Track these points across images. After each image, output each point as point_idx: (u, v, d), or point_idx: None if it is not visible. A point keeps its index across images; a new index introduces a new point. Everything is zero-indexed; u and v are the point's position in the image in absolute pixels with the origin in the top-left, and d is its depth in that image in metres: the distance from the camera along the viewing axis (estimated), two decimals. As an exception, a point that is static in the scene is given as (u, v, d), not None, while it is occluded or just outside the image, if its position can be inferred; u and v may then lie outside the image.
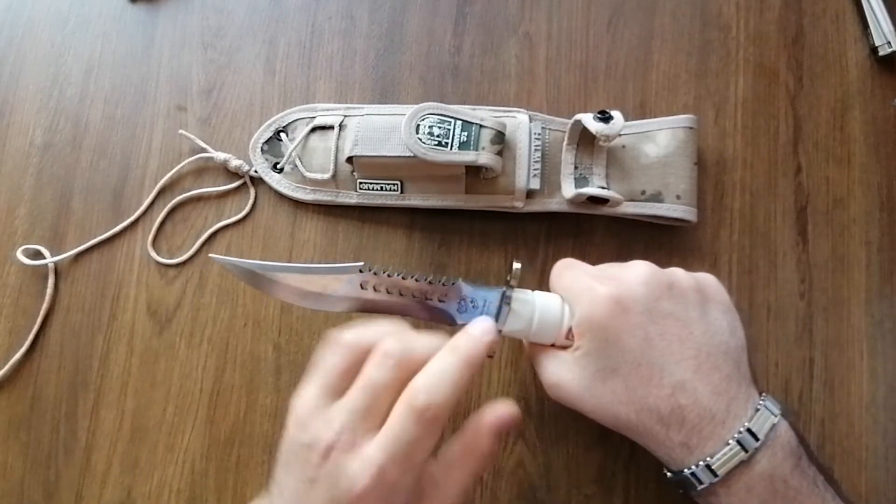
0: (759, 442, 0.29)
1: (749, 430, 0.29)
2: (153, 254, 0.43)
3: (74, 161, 0.45)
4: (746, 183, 0.43)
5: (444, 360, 0.29)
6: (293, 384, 0.40)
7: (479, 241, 0.43)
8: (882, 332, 0.41)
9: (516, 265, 0.34)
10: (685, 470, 0.30)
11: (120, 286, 0.43)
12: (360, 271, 0.35)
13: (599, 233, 0.42)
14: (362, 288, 0.35)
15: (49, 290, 0.43)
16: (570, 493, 0.39)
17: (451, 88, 0.45)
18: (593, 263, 0.42)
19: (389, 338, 0.29)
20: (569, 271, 0.35)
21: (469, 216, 0.42)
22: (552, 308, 0.34)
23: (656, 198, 0.40)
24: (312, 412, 0.29)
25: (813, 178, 0.43)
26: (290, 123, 0.44)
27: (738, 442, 0.29)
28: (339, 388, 0.29)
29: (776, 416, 0.30)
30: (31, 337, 0.42)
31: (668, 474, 0.32)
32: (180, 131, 0.45)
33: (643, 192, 0.40)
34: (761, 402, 0.31)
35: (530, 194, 0.41)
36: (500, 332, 0.33)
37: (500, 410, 0.30)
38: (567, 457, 0.40)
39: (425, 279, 0.35)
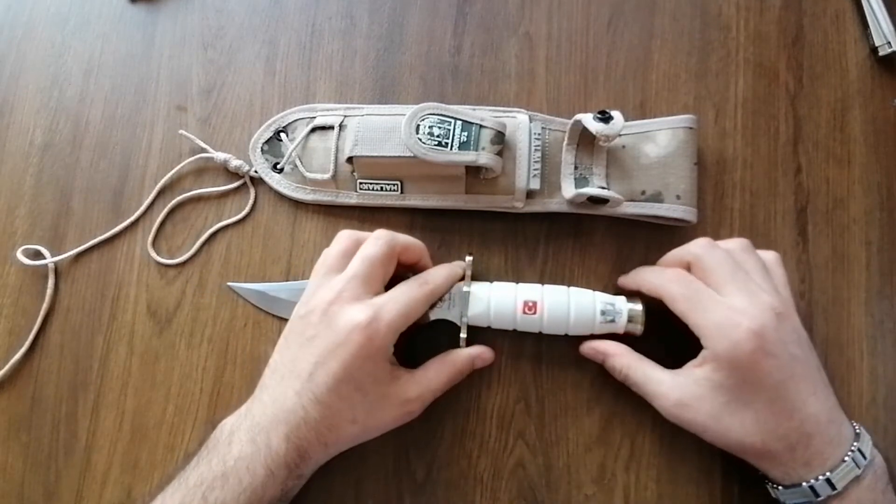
0: (867, 460, 0.33)
1: (859, 450, 0.33)
2: (153, 254, 0.43)
3: (74, 161, 0.45)
4: (746, 183, 0.43)
5: (439, 267, 0.39)
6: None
7: (479, 241, 0.43)
8: (882, 332, 0.41)
9: (468, 257, 0.39)
10: (803, 483, 0.33)
11: (120, 286, 0.43)
12: None
13: (599, 233, 0.42)
14: None
15: (49, 290, 0.43)
16: (570, 493, 0.39)
17: (451, 88, 0.45)
18: (593, 265, 0.42)
19: (379, 229, 0.38)
20: (704, 296, 0.34)
21: (469, 216, 0.42)
22: (506, 293, 0.38)
23: (656, 198, 0.40)
24: (315, 290, 0.36)
25: (813, 178, 0.43)
26: (290, 123, 0.44)
27: (853, 460, 0.33)
28: (339, 267, 0.37)
29: (870, 438, 0.35)
30: (31, 337, 0.42)
31: (778, 488, 0.35)
32: (180, 131, 0.45)
33: (643, 193, 0.40)
34: (856, 425, 0.35)
35: (530, 194, 0.41)
36: (465, 319, 0.38)
37: (479, 347, 0.39)
38: (567, 457, 0.40)
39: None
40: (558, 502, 0.39)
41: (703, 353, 0.34)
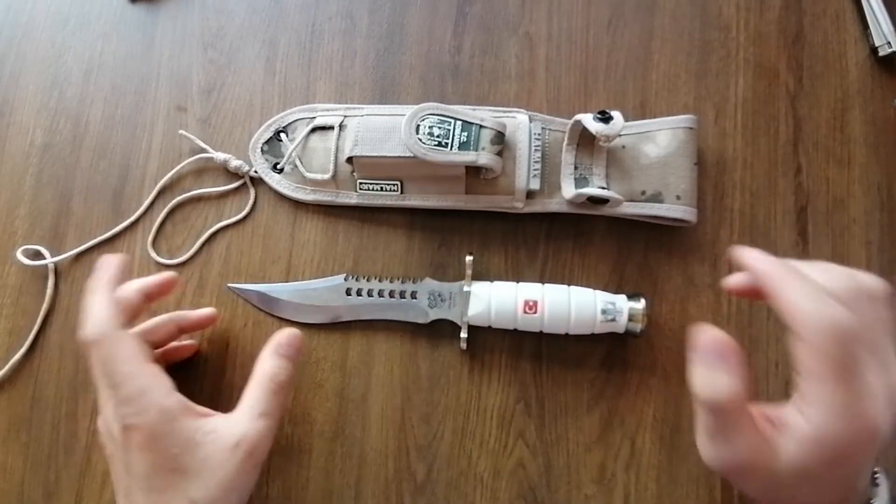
0: None
1: None
2: (153, 254, 0.43)
3: (74, 161, 0.45)
4: (746, 183, 0.43)
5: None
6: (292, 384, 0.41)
7: (479, 241, 0.43)
8: (882, 333, 0.41)
9: (469, 257, 0.39)
10: None
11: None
12: (345, 279, 0.41)
13: (599, 233, 0.42)
14: (347, 294, 0.41)
15: (49, 291, 0.43)
16: (570, 493, 0.39)
17: (451, 88, 0.45)
18: (593, 265, 0.42)
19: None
20: (852, 363, 0.26)
21: (469, 216, 0.42)
22: (506, 293, 0.39)
23: (656, 198, 0.40)
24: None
25: (813, 178, 0.43)
26: (290, 124, 0.44)
27: None
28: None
29: (888, 485, 0.30)
30: (31, 337, 0.42)
31: None
32: (180, 131, 0.45)
33: (643, 193, 0.40)
34: (877, 473, 0.30)
35: (530, 194, 0.41)
36: (466, 319, 0.39)
37: (278, 336, 0.35)
38: (567, 457, 0.40)
39: (398, 279, 0.41)
40: (558, 502, 0.39)
41: (806, 420, 0.27)
